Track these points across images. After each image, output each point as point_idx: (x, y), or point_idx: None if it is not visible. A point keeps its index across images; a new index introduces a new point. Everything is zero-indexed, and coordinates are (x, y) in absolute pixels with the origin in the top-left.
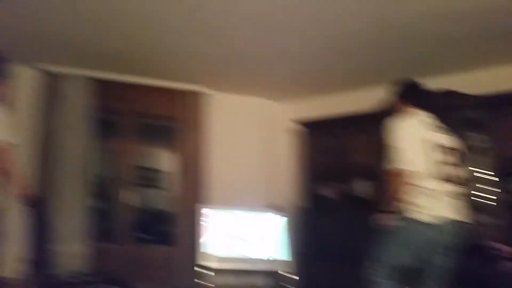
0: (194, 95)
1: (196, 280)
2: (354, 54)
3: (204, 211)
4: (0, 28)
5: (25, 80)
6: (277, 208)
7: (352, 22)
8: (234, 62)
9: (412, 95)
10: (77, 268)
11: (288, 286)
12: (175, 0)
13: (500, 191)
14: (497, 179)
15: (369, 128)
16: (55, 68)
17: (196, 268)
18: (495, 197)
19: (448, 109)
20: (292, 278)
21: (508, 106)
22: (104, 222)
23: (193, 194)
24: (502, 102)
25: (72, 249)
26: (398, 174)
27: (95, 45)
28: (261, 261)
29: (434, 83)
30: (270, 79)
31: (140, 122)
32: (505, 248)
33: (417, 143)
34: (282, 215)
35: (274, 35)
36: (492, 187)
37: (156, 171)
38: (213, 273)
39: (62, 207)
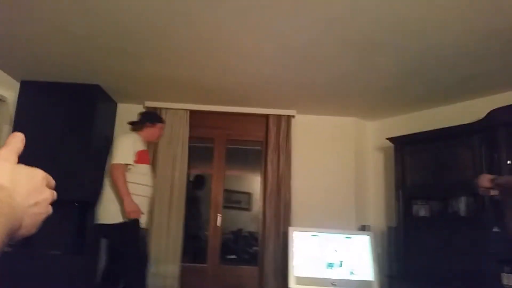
0: (283, 118)
1: None
2: (449, 66)
3: (293, 233)
4: (113, 72)
5: None
6: (366, 229)
7: (450, 32)
8: (322, 84)
9: None
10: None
11: None
12: (267, 33)
13: None
14: None
15: (463, 141)
16: (156, 104)
17: None
18: None
19: None
20: None
21: None
22: (195, 244)
23: (281, 216)
24: None
25: (166, 270)
26: None
27: (195, 81)
28: (350, 282)
29: None
30: (358, 97)
31: (230, 148)
32: None
33: None
34: (372, 236)
35: (364, 53)
36: None
37: (245, 194)
38: None
39: (159, 230)
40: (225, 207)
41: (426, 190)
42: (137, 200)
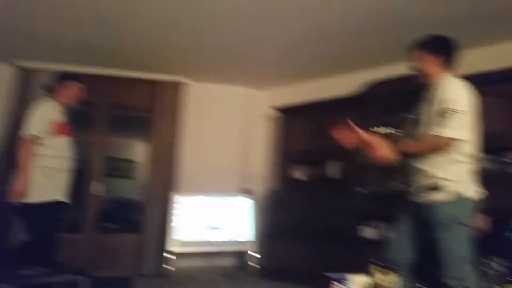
0: (171, 85)
1: (164, 265)
2: (335, 41)
3: (174, 198)
4: None
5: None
6: (247, 192)
7: (335, 8)
8: (212, 53)
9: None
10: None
11: (251, 264)
12: None
13: None
14: None
15: (344, 111)
16: (30, 64)
17: (165, 254)
18: None
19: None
20: (256, 257)
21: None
22: (73, 213)
23: (166, 183)
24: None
25: None
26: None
27: (74, 41)
28: (228, 243)
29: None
30: (249, 67)
31: (114, 114)
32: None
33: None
34: (252, 199)
35: (253, 24)
36: None
37: (128, 161)
38: (174, 257)
39: None
40: (109, 175)
41: (305, 156)
42: (51, 173)
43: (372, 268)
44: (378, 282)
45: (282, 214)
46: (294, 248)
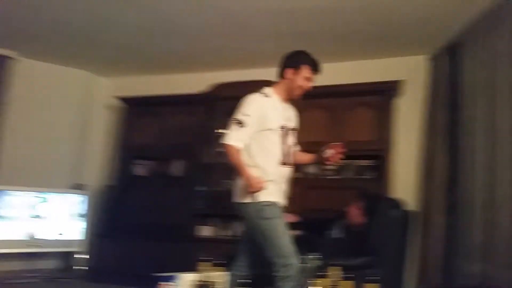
0: None
1: None
2: (184, 38)
3: None
4: None
5: None
6: (80, 188)
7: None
8: (49, 26)
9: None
10: None
11: (78, 266)
12: None
13: None
14: None
15: (190, 110)
16: None
17: None
18: None
19: None
20: (85, 258)
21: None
22: None
23: None
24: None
25: None
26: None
27: None
28: (53, 243)
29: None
30: (93, 49)
31: None
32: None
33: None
34: (84, 195)
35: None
36: None
37: None
38: None
39: None
40: None
41: (148, 151)
42: None
43: (201, 265)
44: (205, 278)
45: (117, 212)
46: (127, 248)
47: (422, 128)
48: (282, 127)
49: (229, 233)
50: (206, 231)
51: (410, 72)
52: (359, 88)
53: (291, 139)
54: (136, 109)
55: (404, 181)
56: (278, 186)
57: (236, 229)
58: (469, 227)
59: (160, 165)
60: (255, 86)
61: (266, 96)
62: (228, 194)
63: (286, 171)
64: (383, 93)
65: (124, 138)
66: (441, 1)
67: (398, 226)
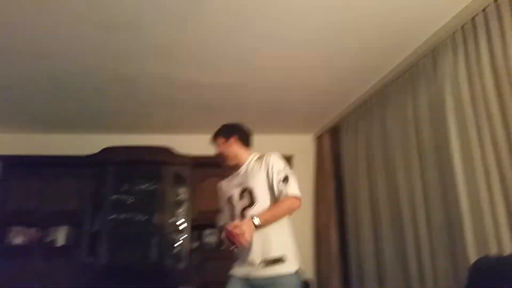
0: None
1: None
2: (65, 100)
3: None
4: None
5: None
6: None
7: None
8: None
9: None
10: None
11: None
12: None
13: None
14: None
15: (73, 172)
16: None
17: None
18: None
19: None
20: None
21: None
22: None
23: None
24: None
25: None
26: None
27: None
28: None
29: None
30: None
31: None
32: None
33: None
34: None
35: None
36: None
37: None
38: None
39: None
40: None
41: (26, 216)
42: None
43: None
44: None
45: None
46: None
47: (313, 201)
48: None
49: None
50: None
51: (299, 148)
52: None
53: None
54: (16, 169)
55: (300, 251)
56: None
57: None
58: None
59: (39, 232)
60: (147, 151)
61: None
62: (126, 266)
63: None
64: None
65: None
66: (322, 87)
67: None
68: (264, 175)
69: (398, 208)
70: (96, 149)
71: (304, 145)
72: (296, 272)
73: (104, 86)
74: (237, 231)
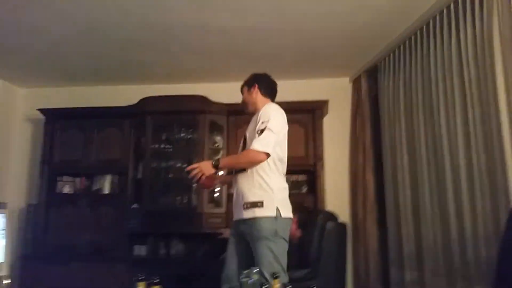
0: None
1: None
2: (107, 49)
3: None
4: None
5: None
6: (0, 207)
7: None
8: None
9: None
10: None
11: None
12: None
13: None
14: None
15: (115, 123)
16: None
17: None
18: None
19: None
20: (6, 283)
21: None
22: None
23: None
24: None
25: None
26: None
27: None
28: None
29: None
30: (7, 56)
31: None
32: None
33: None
34: (6, 214)
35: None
36: None
37: None
38: None
39: None
40: None
41: (73, 167)
42: None
43: (139, 285)
44: None
45: (43, 232)
46: (56, 271)
47: (350, 145)
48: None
49: (165, 252)
50: (140, 250)
51: (336, 92)
52: (290, 106)
53: None
54: (61, 122)
55: (336, 195)
56: None
57: (174, 248)
58: (400, 239)
59: (86, 181)
60: (184, 100)
61: None
62: (164, 212)
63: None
64: (311, 112)
65: (45, 153)
66: (360, 28)
67: (335, 238)
68: (255, 124)
69: (438, 150)
70: (134, 100)
71: (340, 88)
72: (276, 218)
73: (138, 36)
74: (195, 169)
